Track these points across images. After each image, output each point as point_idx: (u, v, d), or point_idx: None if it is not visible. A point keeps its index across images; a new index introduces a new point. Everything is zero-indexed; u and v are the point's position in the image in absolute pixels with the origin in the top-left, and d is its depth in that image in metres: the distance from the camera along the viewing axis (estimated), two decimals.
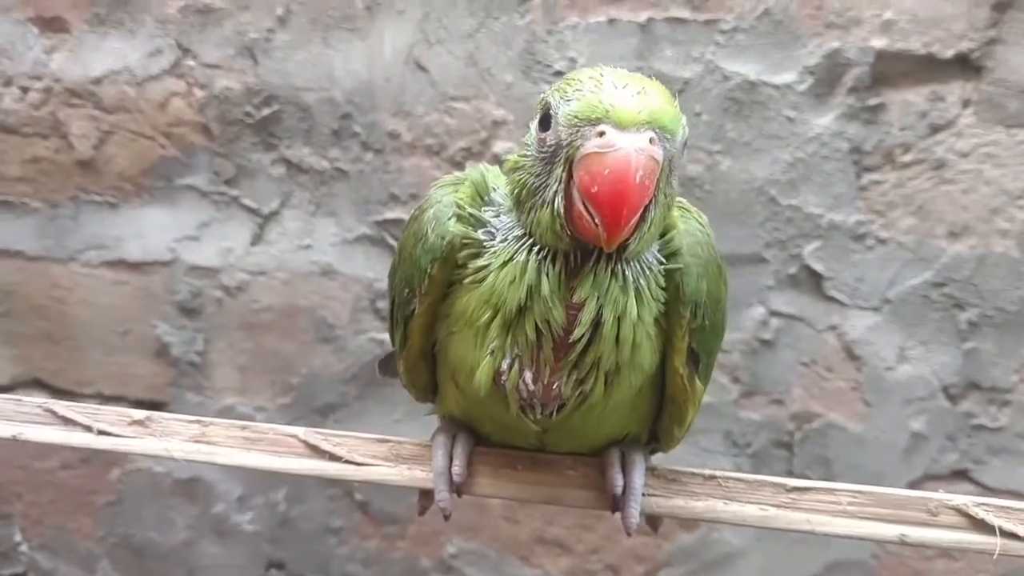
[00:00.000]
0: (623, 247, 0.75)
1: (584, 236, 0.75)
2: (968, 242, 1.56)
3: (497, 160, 1.63)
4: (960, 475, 1.62)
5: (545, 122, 0.76)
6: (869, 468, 1.62)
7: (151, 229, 1.76)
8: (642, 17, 1.57)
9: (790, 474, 1.64)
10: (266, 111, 1.69)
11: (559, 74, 1.60)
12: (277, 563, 1.84)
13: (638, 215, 0.73)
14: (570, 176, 0.74)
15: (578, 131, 0.73)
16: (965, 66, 1.52)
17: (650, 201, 0.74)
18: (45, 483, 1.88)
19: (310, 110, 1.68)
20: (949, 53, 1.52)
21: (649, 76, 0.78)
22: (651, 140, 0.71)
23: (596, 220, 0.72)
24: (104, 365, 1.82)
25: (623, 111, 0.71)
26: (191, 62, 1.70)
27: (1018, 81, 1.51)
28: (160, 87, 1.71)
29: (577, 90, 0.74)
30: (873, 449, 1.63)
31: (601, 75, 0.75)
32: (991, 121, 1.53)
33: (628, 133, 0.71)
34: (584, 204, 0.72)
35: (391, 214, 1.67)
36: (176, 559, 1.86)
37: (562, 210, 0.75)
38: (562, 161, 0.74)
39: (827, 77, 1.55)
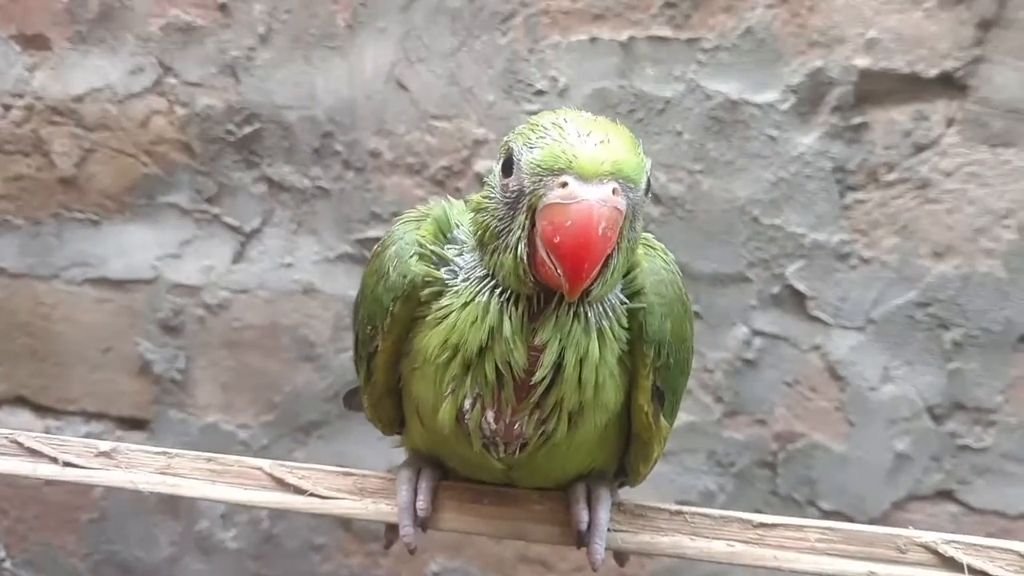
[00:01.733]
0: (586, 292, 0.75)
1: (547, 282, 0.74)
2: (953, 262, 1.56)
3: (479, 179, 1.62)
4: (945, 495, 1.61)
5: (508, 167, 0.76)
6: (853, 489, 1.62)
7: (133, 247, 1.76)
8: (623, 36, 1.57)
9: (774, 494, 1.64)
10: (248, 129, 1.69)
11: (540, 93, 1.59)
12: None
13: (600, 265, 0.72)
14: (533, 223, 0.73)
15: (541, 180, 0.72)
16: (949, 85, 1.52)
17: (613, 249, 0.73)
18: (30, 499, 1.87)
19: (291, 128, 1.67)
20: (933, 72, 1.51)
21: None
22: (614, 191, 0.71)
23: (558, 270, 0.71)
24: (88, 382, 1.81)
25: (586, 162, 0.71)
26: (172, 80, 1.70)
27: (1003, 100, 1.50)
28: (142, 105, 1.71)
29: (540, 137, 0.74)
30: (857, 469, 1.62)
31: (565, 121, 0.75)
32: (975, 140, 1.52)
33: (591, 184, 0.70)
34: (547, 252, 0.72)
35: (372, 232, 1.67)
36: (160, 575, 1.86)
37: (525, 256, 0.75)
38: (525, 208, 0.74)
39: (810, 96, 1.55)
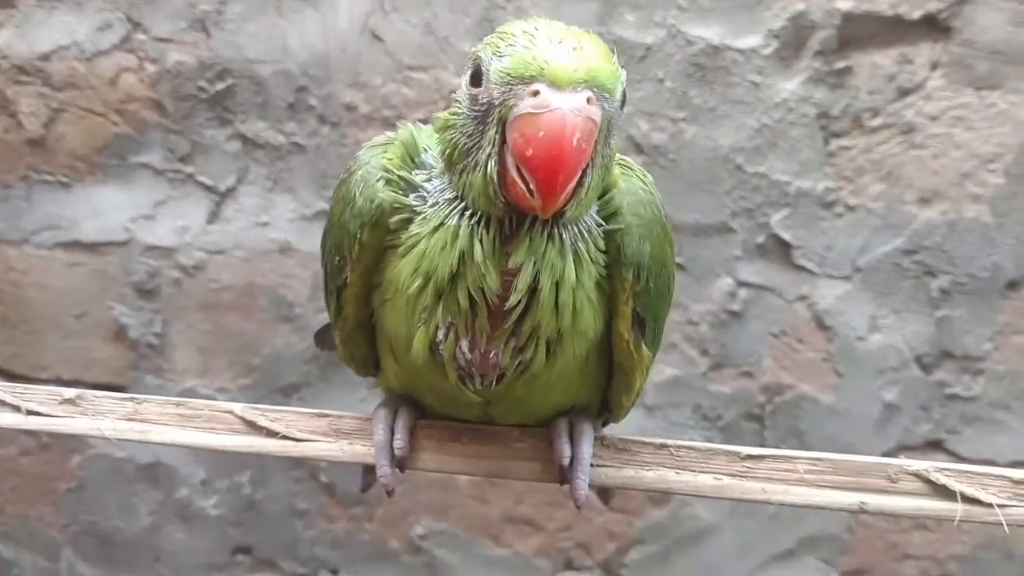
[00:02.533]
0: (560, 213, 0.72)
1: (518, 203, 0.71)
2: (939, 208, 1.54)
3: (451, 94, 1.59)
4: (934, 445, 1.60)
5: (476, 78, 0.72)
6: (842, 440, 1.60)
7: (105, 209, 1.71)
8: None
9: (762, 447, 1.61)
10: (220, 85, 1.65)
11: None
12: (244, 547, 1.80)
13: (575, 181, 0.69)
14: (503, 139, 0.70)
15: (511, 90, 0.69)
16: (933, 27, 1.50)
17: (587, 165, 0.70)
18: (5, 471, 1.84)
19: (265, 83, 1.64)
20: (917, 14, 1.50)
21: (601, 36, 0.75)
22: (588, 100, 0.67)
23: (531, 186, 0.68)
24: (61, 349, 1.78)
25: (558, 69, 0.68)
26: (141, 36, 1.66)
27: (987, 42, 1.49)
28: (110, 62, 1.67)
29: (510, 45, 0.70)
30: (845, 420, 1.61)
31: (536, 28, 0.71)
32: (960, 83, 1.52)
33: (564, 92, 0.67)
34: (518, 169, 0.69)
35: (346, 166, 1.63)
36: (141, 545, 1.82)
37: (495, 175, 0.71)
38: (495, 122, 0.71)
39: (792, 40, 1.53)
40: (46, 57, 1.68)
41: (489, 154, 0.71)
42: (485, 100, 0.71)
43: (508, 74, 0.69)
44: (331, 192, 1.61)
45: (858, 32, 1.51)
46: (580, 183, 0.70)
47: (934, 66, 1.51)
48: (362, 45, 1.61)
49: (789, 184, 1.56)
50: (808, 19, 1.51)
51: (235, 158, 1.67)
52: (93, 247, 1.73)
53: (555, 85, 0.67)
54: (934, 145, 1.52)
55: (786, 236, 1.57)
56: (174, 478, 1.79)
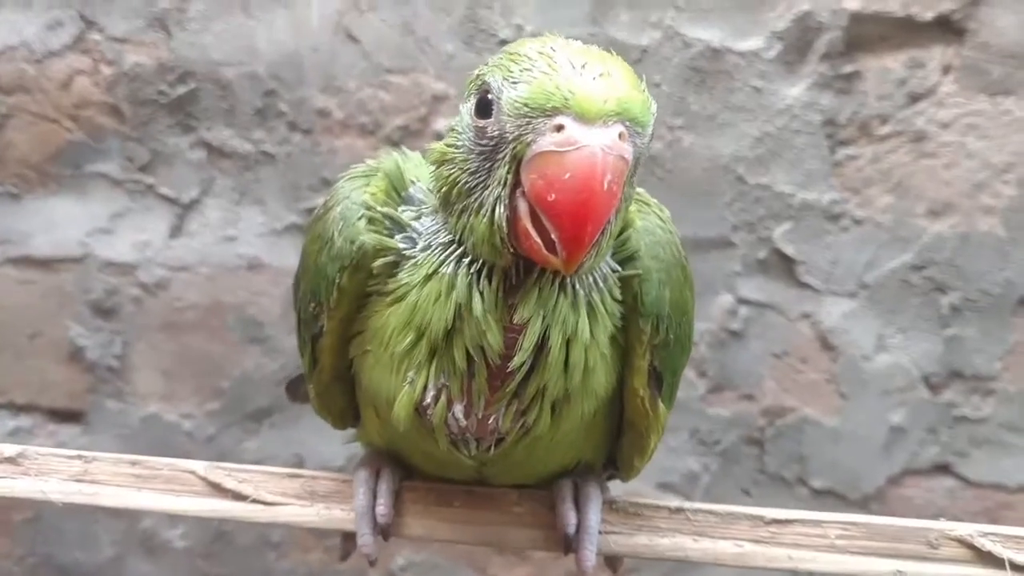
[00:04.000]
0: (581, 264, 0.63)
1: (530, 256, 0.62)
2: (950, 220, 1.51)
3: (439, 139, 1.52)
4: (942, 469, 1.57)
5: (483, 108, 0.63)
6: (846, 465, 1.57)
7: (59, 222, 1.64)
8: None
9: (762, 472, 1.59)
10: (182, 89, 1.59)
11: (505, 42, 1.48)
12: None
13: (603, 227, 0.61)
14: (517, 180, 0.61)
15: (528, 123, 0.61)
16: (946, 29, 1.47)
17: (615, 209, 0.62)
18: None
19: (231, 87, 1.58)
20: (929, 15, 1.47)
21: (607, 49, 0.65)
22: (620, 136, 0.59)
23: (553, 236, 0.60)
24: (14, 372, 1.69)
25: (587, 100, 0.59)
26: (96, 36, 1.59)
27: (1003, 45, 1.48)
28: (63, 64, 1.60)
29: (526, 69, 0.62)
30: (850, 444, 1.58)
31: (553, 50, 0.63)
32: (974, 89, 1.48)
33: (593, 127, 0.59)
34: (532, 216, 0.61)
35: (322, 200, 1.55)
36: None
37: (504, 222, 0.63)
38: (506, 159, 0.62)
39: (797, 43, 1.50)
40: None
41: (498, 196, 0.63)
42: (495, 133, 0.62)
43: (526, 105, 0.61)
44: (303, 204, 1.56)
45: (867, 34, 1.48)
46: (603, 230, 0.62)
47: (946, 70, 1.49)
48: (336, 46, 1.56)
49: (793, 196, 1.53)
50: (814, 20, 1.48)
51: (199, 168, 1.61)
52: (47, 263, 1.66)
53: (583, 119, 0.59)
54: (946, 154, 1.50)
55: (789, 251, 1.54)
56: None
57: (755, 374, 1.58)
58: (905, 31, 1.48)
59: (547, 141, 0.59)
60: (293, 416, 1.63)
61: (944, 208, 1.51)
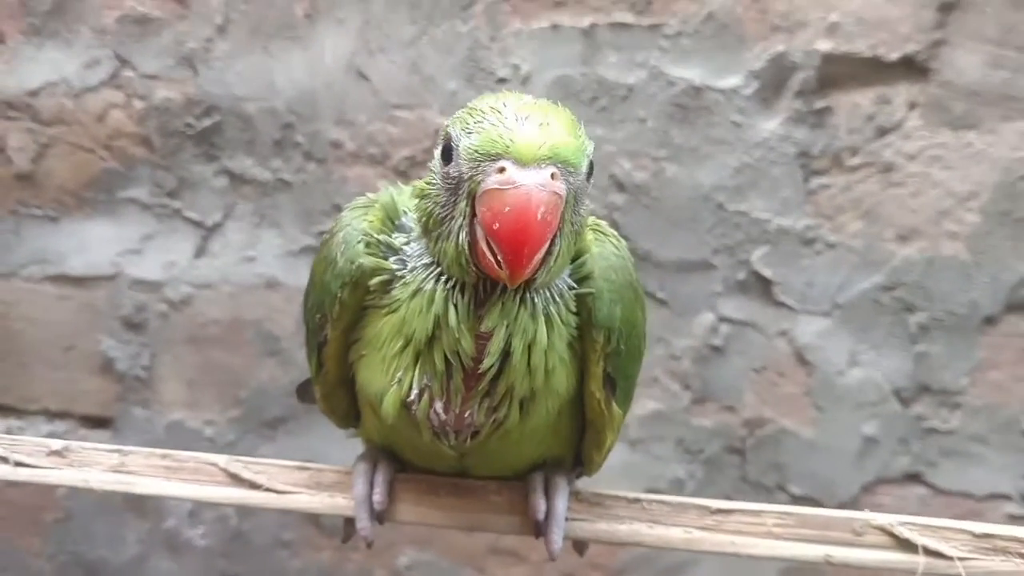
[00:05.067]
0: (531, 280, 0.74)
1: (487, 272, 0.74)
2: (917, 245, 1.57)
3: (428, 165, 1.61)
4: (913, 478, 1.62)
5: (447, 154, 0.75)
6: (822, 473, 1.63)
7: (93, 243, 1.73)
8: (585, 22, 1.57)
9: (743, 480, 1.65)
10: (207, 122, 1.67)
11: (503, 81, 1.59)
12: None
13: (542, 252, 0.71)
14: (473, 211, 0.72)
15: (479, 166, 0.71)
16: (911, 68, 1.53)
17: (555, 235, 0.72)
18: None
19: (251, 120, 1.66)
20: (895, 55, 1.52)
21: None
22: (552, 175, 0.70)
23: (498, 257, 0.70)
24: (49, 381, 1.79)
25: (524, 146, 0.70)
26: (130, 73, 1.68)
27: (964, 83, 1.52)
28: (99, 99, 1.69)
29: (478, 122, 0.73)
30: (825, 454, 1.63)
31: (504, 105, 0.74)
32: (938, 123, 1.54)
33: (529, 169, 0.70)
34: (487, 240, 0.71)
35: (330, 226, 1.65)
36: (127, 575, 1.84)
37: (466, 246, 0.74)
38: (465, 195, 0.73)
39: (773, 81, 1.55)
40: (35, 93, 1.70)
41: (460, 225, 0.74)
42: (455, 175, 0.73)
43: (476, 151, 0.71)
44: (317, 228, 1.67)
45: (837, 73, 1.54)
46: (549, 252, 0.73)
47: (912, 106, 1.54)
48: (348, 83, 1.63)
49: (769, 222, 1.58)
50: (788, 60, 1.54)
51: (222, 194, 1.69)
52: (81, 281, 1.75)
53: (520, 162, 0.70)
54: (912, 184, 1.55)
55: (767, 273, 1.60)
56: (161, 508, 1.81)
57: (736, 388, 1.63)
58: (873, 70, 1.53)
59: (492, 180, 0.70)
60: (305, 424, 1.72)
61: (911, 233, 1.55)
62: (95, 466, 0.98)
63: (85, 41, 1.68)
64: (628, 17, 1.56)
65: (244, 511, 1.78)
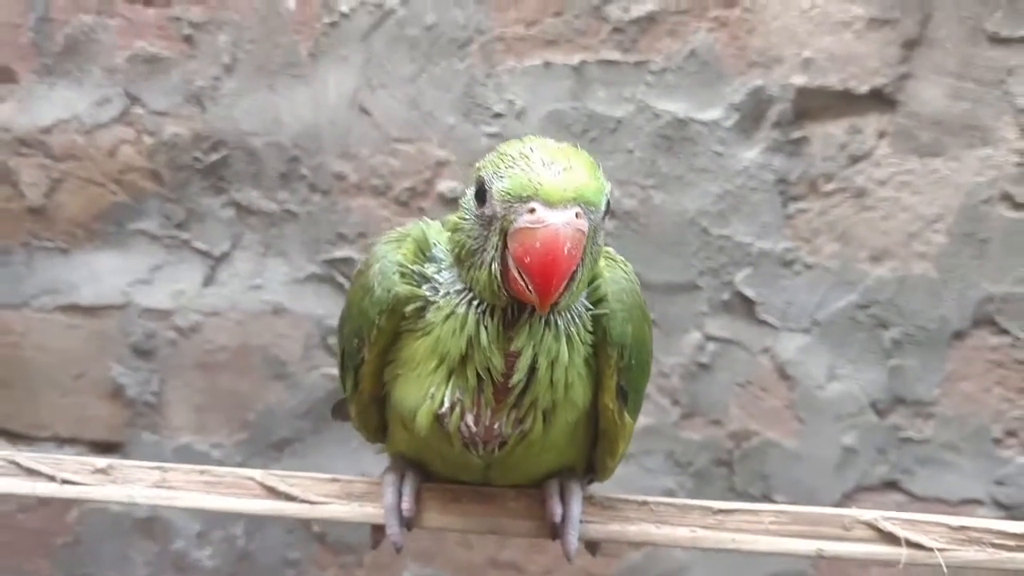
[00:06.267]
0: (554, 304, 0.82)
1: (519, 297, 0.82)
2: (889, 265, 1.63)
3: (442, 199, 1.68)
4: (891, 486, 1.68)
5: (480, 195, 0.82)
6: (805, 482, 1.68)
7: (104, 273, 1.78)
8: (575, 60, 1.64)
9: (731, 491, 1.70)
10: (215, 156, 1.72)
11: (498, 116, 1.66)
12: None
13: (567, 281, 0.79)
14: (505, 245, 0.80)
15: (511, 206, 0.79)
16: (880, 100, 1.60)
17: (577, 265, 0.80)
18: (2, 527, 1.89)
19: (258, 154, 1.71)
20: (864, 88, 1.59)
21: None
22: (577, 214, 0.78)
23: (529, 286, 0.78)
24: (60, 408, 1.83)
25: (551, 189, 0.78)
26: (139, 110, 1.73)
27: (929, 113, 1.59)
28: (109, 135, 1.74)
29: (509, 167, 0.80)
30: (808, 464, 1.69)
31: (531, 150, 0.82)
32: (906, 151, 1.60)
33: (556, 210, 0.77)
34: (518, 271, 0.79)
35: (340, 253, 1.72)
36: None
37: (498, 274, 0.82)
38: (497, 231, 0.81)
39: (752, 113, 1.62)
40: (47, 130, 1.75)
41: (492, 257, 0.82)
42: (489, 214, 0.81)
43: (508, 193, 0.79)
44: (322, 256, 1.73)
45: (812, 105, 1.61)
46: (571, 279, 0.80)
47: (881, 135, 1.60)
48: (351, 118, 1.69)
49: (751, 245, 1.65)
50: (766, 93, 1.61)
51: (229, 225, 1.75)
52: (92, 310, 1.80)
53: (548, 203, 0.78)
54: (883, 208, 1.62)
55: (749, 293, 1.66)
56: (169, 531, 1.85)
57: (722, 402, 1.69)
58: (844, 102, 1.59)
59: (523, 220, 0.78)
60: (310, 446, 1.78)
61: (883, 254, 1.62)
62: (138, 482, 1.03)
63: (96, 80, 1.73)
64: (616, 55, 1.63)
65: (251, 531, 1.83)
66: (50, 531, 1.87)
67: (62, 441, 1.83)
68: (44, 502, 1.85)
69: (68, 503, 1.82)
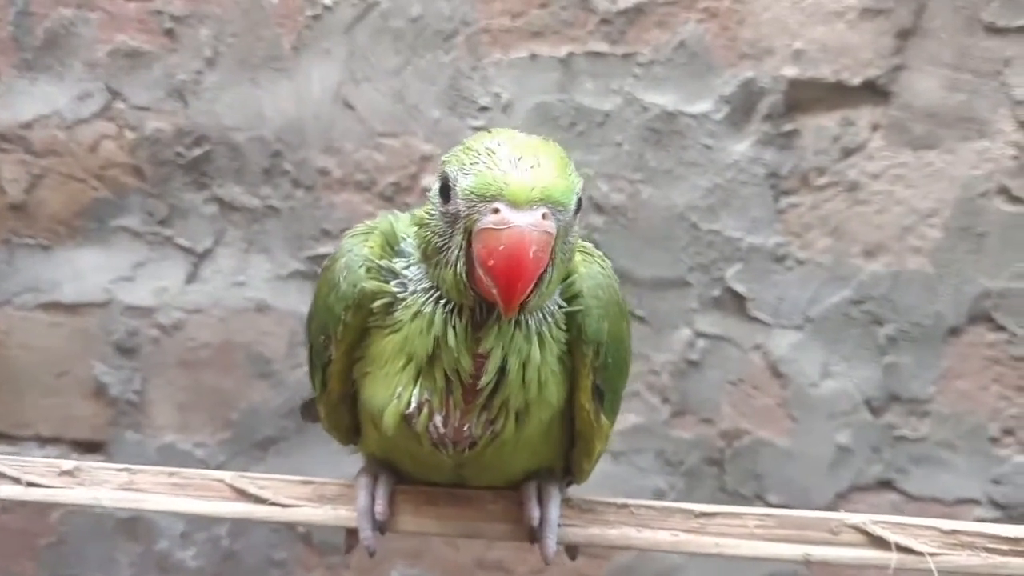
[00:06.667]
0: (523, 304, 0.78)
1: (484, 297, 0.79)
2: (883, 260, 1.61)
3: (426, 192, 1.65)
4: (885, 485, 1.66)
5: (445, 191, 0.79)
6: (798, 482, 1.66)
7: (86, 271, 1.76)
8: (562, 52, 1.62)
9: (722, 490, 1.69)
10: (197, 151, 1.70)
11: (485, 109, 1.64)
12: None
13: (533, 284, 0.76)
14: (470, 244, 0.77)
15: (475, 206, 0.76)
16: (873, 92, 1.57)
17: (546, 267, 0.77)
18: None
19: (240, 149, 1.69)
20: (857, 80, 1.57)
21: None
22: (544, 215, 0.74)
23: (493, 290, 0.75)
24: (42, 407, 1.81)
25: (516, 190, 0.74)
26: (121, 105, 1.71)
27: (923, 105, 1.57)
28: (90, 130, 1.72)
29: (473, 163, 0.77)
30: (801, 463, 1.67)
31: (498, 145, 0.78)
32: (899, 144, 1.58)
33: (522, 211, 0.74)
34: (483, 272, 0.76)
35: (323, 249, 1.69)
36: None
37: (464, 274, 0.79)
38: (462, 230, 0.78)
39: (742, 105, 1.60)
40: (28, 125, 1.73)
41: (457, 255, 0.79)
42: (454, 211, 0.78)
43: (472, 192, 0.76)
44: (306, 253, 1.71)
45: (803, 97, 1.58)
46: (540, 281, 0.77)
47: (875, 128, 1.58)
48: (335, 113, 1.67)
49: (742, 240, 1.63)
50: (757, 85, 1.59)
51: (212, 221, 1.73)
52: (73, 308, 1.78)
53: (513, 204, 0.74)
54: (877, 201, 1.60)
55: (740, 289, 1.64)
56: (153, 531, 1.83)
57: (713, 400, 1.67)
58: (837, 94, 1.57)
59: (487, 220, 0.74)
60: (296, 444, 1.75)
61: (877, 249, 1.60)
62: (104, 484, 1.01)
63: (77, 75, 1.71)
64: (603, 46, 1.61)
65: (236, 531, 1.81)
66: (33, 532, 1.86)
67: (44, 441, 1.82)
68: (24, 503, 1.82)
69: (48, 504, 1.79)
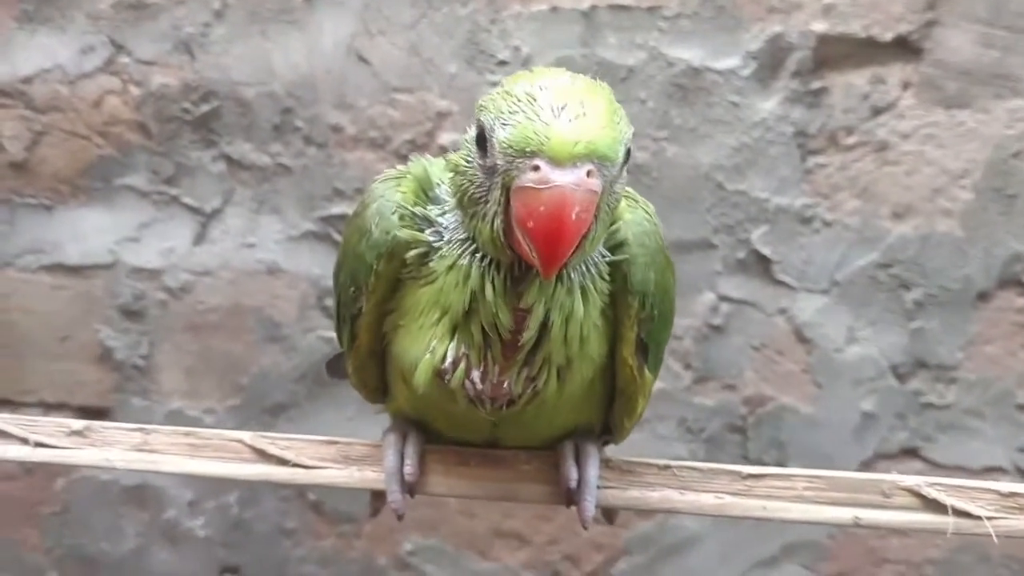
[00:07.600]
0: (562, 267, 0.74)
1: (523, 257, 0.74)
2: (912, 222, 1.59)
3: (443, 151, 1.61)
4: (910, 453, 1.64)
5: (481, 141, 0.73)
6: (822, 449, 1.64)
7: (90, 231, 1.71)
8: (585, 4, 1.57)
9: (745, 458, 1.66)
10: (205, 107, 1.66)
11: (503, 64, 1.59)
12: (232, 568, 1.81)
13: (575, 246, 0.71)
14: (508, 200, 0.72)
15: (513, 161, 0.70)
16: (904, 48, 1.55)
17: (588, 228, 0.71)
18: None
19: (250, 105, 1.65)
20: (888, 36, 1.54)
21: (594, 77, 0.75)
22: (589, 173, 0.68)
23: (532, 253, 0.70)
24: (46, 373, 1.77)
25: (559, 145, 0.68)
26: (125, 59, 1.66)
27: (956, 63, 1.54)
28: (94, 85, 1.67)
29: (512, 112, 0.70)
30: (825, 430, 1.65)
31: (539, 90, 0.71)
32: (931, 102, 1.56)
33: (564, 169, 0.68)
34: (522, 233, 0.71)
35: (336, 209, 1.65)
36: (127, 568, 1.82)
37: (501, 232, 0.74)
38: (500, 185, 0.72)
39: (770, 61, 1.57)
40: (29, 80, 1.68)
41: (495, 212, 0.73)
42: (491, 164, 0.72)
43: (510, 147, 0.70)
44: (317, 213, 1.66)
45: (833, 53, 1.55)
46: (583, 238, 0.72)
47: (906, 86, 1.56)
48: (348, 67, 1.63)
49: (768, 201, 1.60)
50: (785, 41, 1.55)
51: (221, 180, 1.68)
52: (78, 270, 1.73)
53: (555, 161, 0.68)
54: (907, 162, 1.57)
55: (766, 251, 1.61)
56: (161, 499, 1.79)
57: (736, 366, 1.65)
58: (867, 50, 1.54)
59: (527, 178, 0.68)
60: (307, 411, 1.72)
61: (906, 211, 1.57)
62: (117, 445, 0.96)
63: (80, 27, 1.66)
64: None
65: (245, 500, 1.78)
66: (36, 500, 1.82)
67: (48, 407, 1.78)
68: (29, 470, 1.79)
69: (53, 471, 1.76)
